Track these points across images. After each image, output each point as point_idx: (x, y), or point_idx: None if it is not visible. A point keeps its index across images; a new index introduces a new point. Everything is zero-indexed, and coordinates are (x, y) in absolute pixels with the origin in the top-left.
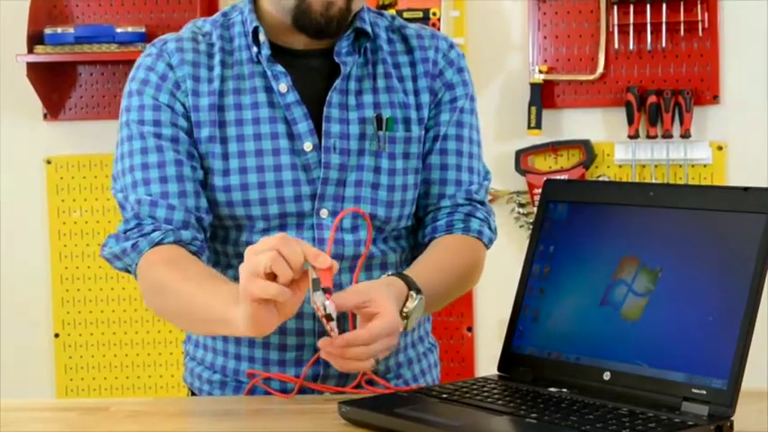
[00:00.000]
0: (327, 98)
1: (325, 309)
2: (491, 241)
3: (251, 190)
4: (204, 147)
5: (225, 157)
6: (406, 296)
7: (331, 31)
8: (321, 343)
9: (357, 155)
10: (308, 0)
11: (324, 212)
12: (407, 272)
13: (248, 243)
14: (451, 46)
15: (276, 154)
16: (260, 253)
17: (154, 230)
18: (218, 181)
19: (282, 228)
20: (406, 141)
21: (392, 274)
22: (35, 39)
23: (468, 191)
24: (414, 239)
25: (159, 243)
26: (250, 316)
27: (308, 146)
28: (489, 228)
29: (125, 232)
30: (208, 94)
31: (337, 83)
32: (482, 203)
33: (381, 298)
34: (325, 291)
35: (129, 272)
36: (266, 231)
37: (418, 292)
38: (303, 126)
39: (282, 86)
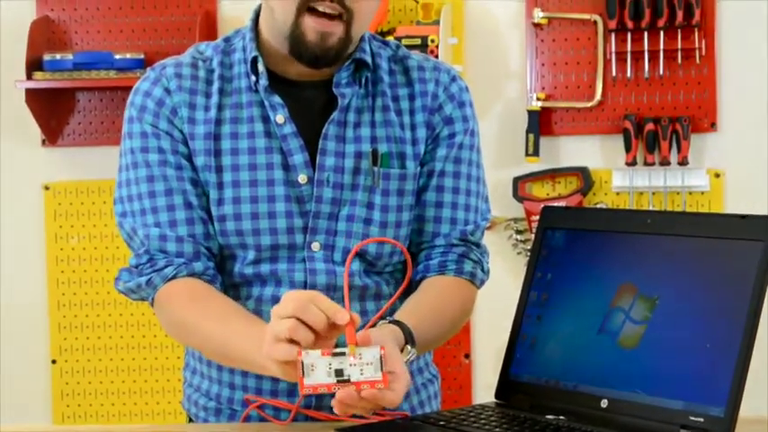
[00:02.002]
0: (323, 130)
1: (342, 373)
2: (482, 283)
3: (244, 220)
4: (200, 175)
5: (219, 186)
6: (402, 348)
7: (329, 61)
8: (340, 393)
9: (351, 189)
10: (301, 28)
11: (315, 246)
12: (404, 317)
13: (240, 275)
14: (454, 79)
15: (270, 185)
16: (282, 318)
17: (166, 266)
18: (212, 210)
19: (274, 260)
20: (400, 178)
21: (392, 321)
22: (34, 65)
23: (463, 231)
24: (406, 272)
25: (173, 278)
26: (282, 371)
27: (302, 178)
28: (482, 269)
29: (137, 266)
30: (204, 123)
31: (335, 115)
32: (477, 245)
33: (397, 358)
34: (338, 354)
35: (145, 300)
36: (257, 263)
37: (413, 345)
38: (299, 158)
39: (279, 117)
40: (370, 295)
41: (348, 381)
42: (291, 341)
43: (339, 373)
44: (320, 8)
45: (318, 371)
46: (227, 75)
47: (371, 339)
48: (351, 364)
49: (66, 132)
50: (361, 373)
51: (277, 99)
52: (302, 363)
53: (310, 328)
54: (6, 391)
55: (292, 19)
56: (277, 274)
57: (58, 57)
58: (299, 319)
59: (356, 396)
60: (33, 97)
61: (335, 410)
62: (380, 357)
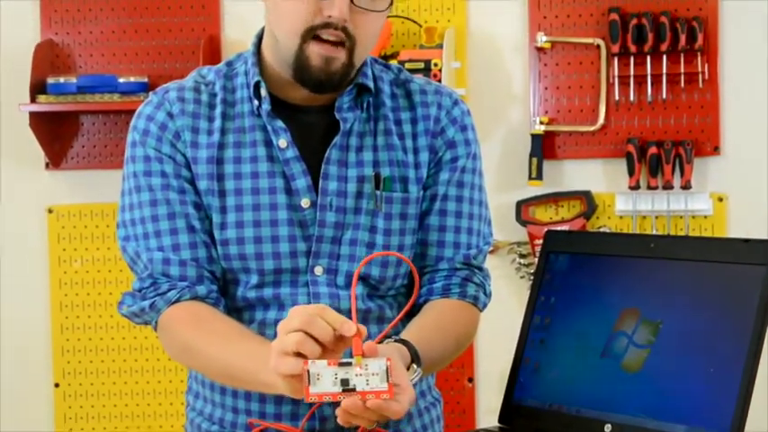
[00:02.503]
0: (326, 155)
1: (348, 383)
2: (485, 306)
3: (247, 244)
4: (202, 199)
5: (222, 210)
6: (408, 366)
7: (333, 86)
8: (345, 402)
9: (353, 213)
10: (305, 54)
11: (318, 269)
12: (409, 337)
13: (243, 298)
14: (456, 102)
15: (273, 209)
16: (289, 333)
17: (170, 289)
18: (215, 234)
19: (277, 284)
20: (403, 202)
21: (398, 340)
22: (38, 88)
23: (466, 255)
24: (410, 296)
25: (177, 301)
26: (288, 386)
27: (305, 202)
28: (484, 292)
29: (140, 290)
30: (206, 147)
31: (337, 139)
32: (480, 269)
33: (402, 372)
34: (344, 364)
35: (148, 324)
36: (260, 287)
37: (419, 364)
38: (301, 182)
39: (282, 142)
40: (373, 318)
41: (353, 390)
42: (298, 355)
43: (345, 382)
44: (324, 36)
45: (324, 380)
46: (230, 99)
47: (378, 351)
48: (357, 375)
49: (69, 155)
50: (367, 384)
51: (279, 123)
52: (308, 371)
53: (317, 341)
54: (9, 415)
55: (297, 46)
56: (280, 298)
57: (61, 80)
58: (305, 332)
59: (361, 406)
60: (37, 120)
61: (339, 420)
62: (387, 368)
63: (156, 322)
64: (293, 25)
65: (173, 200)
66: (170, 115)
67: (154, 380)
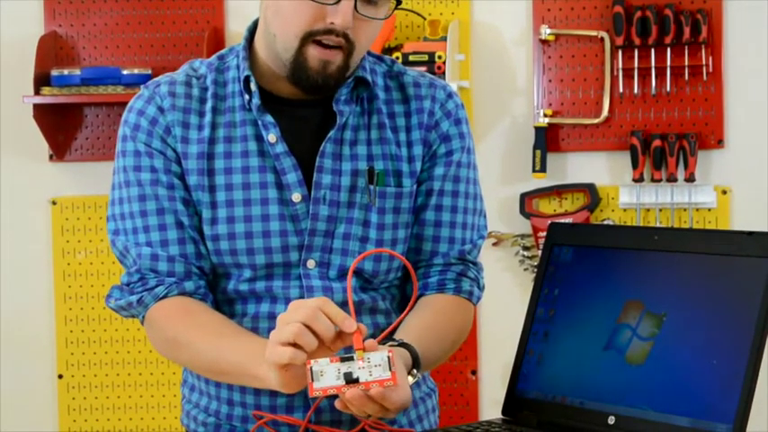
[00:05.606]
0: (321, 148)
1: (351, 376)
2: (479, 300)
3: (238, 240)
4: (192, 194)
5: (213, 205)
6: (409, 371)
7: (328, 89)
8: (347, 393)
9: (347, 207)
10: (303, 56)
11: (311, 263)
12: (409, 338)
13: (235, 291)
14: (450, 95)
15: (264, 204)
16: (288, 323)
17: (157, 285)
18: (205, 230)
19: (269, 277)
20: (396, 197)
21: (401, 345)
22: (42, 80)
23: (461, 251)
24: (404, 289)
25: (164, 297)
26: (278, 378)
27: (296, 196)
28: (478, 286)
29: (128, 285)
30: (197, 142)
31: (332, 133)
32: (474, 263)
33: (401, 372)
34: (346, 359)
35: (135, 317)
36: (253, 281)
37: (419, 369)
38: (292, 177)
39: (272, 137)
40: (365, 310)
41: (357, 381)
42: (294, 346)
43: (348, 375)
44: (324, 41)
45: (327, 375)
46: (221, 93)
47: (377, 348)
48: (360, 368)
49: (73, 147)
50: (371, 375)
51: (269, 118)
52: (311, 369)
53: (316, 336)
54: (13, 406)
55: (296, 47)
56: (272, 291)
57: (65, 72)
58: (306, 325)
59: (363, 396)
60: (41, 112)
61: (337, 406)
62: (389, 358)
63: (143, 317)
64: (294, 27)
65: (161, 195)
66: (161, 110)
67: (158, 371)
